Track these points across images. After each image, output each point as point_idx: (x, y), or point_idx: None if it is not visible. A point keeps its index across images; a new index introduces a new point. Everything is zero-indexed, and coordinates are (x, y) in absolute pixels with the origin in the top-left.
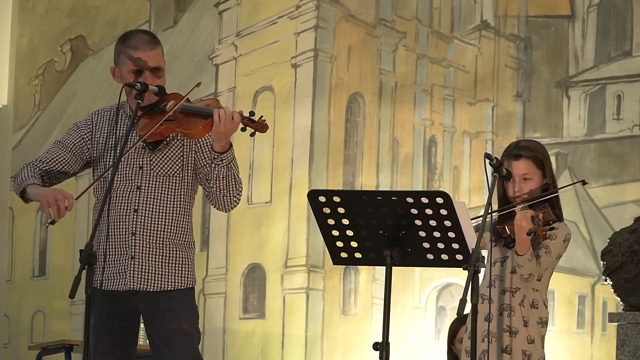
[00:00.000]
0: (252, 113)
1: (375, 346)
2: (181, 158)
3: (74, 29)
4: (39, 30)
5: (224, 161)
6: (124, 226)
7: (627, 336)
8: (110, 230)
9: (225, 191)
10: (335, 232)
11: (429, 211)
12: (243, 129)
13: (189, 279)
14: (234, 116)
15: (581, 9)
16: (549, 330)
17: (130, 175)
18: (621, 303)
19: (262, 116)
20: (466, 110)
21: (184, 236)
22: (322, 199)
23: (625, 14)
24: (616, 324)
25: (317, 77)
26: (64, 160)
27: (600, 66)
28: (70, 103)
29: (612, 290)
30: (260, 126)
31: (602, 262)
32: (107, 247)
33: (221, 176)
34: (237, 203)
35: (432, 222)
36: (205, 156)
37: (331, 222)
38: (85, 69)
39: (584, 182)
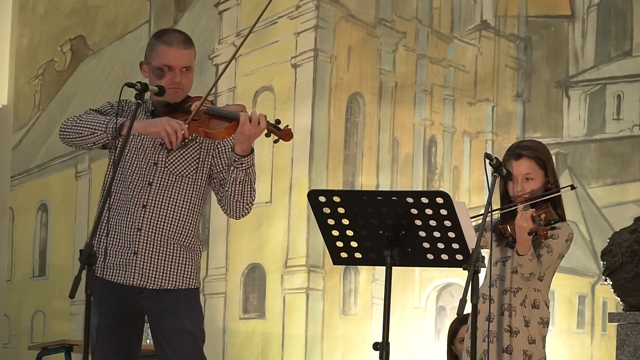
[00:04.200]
0: (277, 121)
1: (375, 346)
2: (197, 160)
3: (74, 29)
4: (39, 30)
5: (243, 165)
6: (131, 221)
7: (627, 336)
8: (115, 223)
9: (239, 196)
10: (335, 232)
11: (429, 211)
12: (267, 135)
13: (191, 280)
14: (260, 121)
15: (581, 9)
16: (549, 331)
17: (143, 170)
18: (621, 303)
19: (287, 125)
20: (466, 110)
21: (190, 238)
22: (322, 199)
23: (625, 14)
24: (616, 324)
25: (317, 77)
26: None
27: (600, 66)
28: (70, 103)
29: (612, 290)
30: (285, 134)
31: (602, 262)
32: (110, 238)
33: (238, 180)
34: (249, 210)
35: (432, 222)
36: (223, 162)
37: (331, 222)
38: (85, 69)
39: (572, 187)
